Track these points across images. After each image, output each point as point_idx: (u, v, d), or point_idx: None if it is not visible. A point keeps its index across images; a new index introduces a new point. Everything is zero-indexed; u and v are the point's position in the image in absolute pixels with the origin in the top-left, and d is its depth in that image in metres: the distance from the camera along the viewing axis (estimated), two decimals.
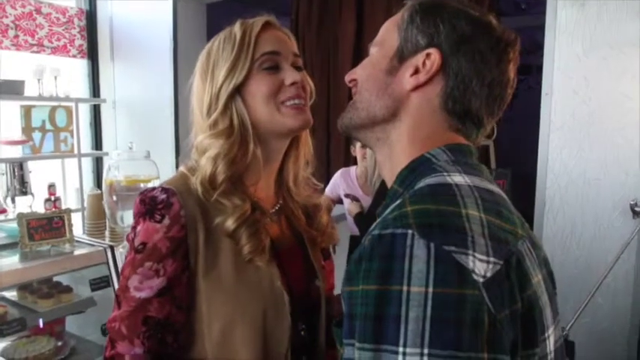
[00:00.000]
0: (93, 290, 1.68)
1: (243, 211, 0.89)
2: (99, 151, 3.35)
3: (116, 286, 1.71)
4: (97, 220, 1.97)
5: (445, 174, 0.67)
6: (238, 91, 0.91)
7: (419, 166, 0.72)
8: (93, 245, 1.74)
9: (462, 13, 0.73)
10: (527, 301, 0.61)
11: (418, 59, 0.73)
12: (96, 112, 3.44)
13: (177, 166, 3.12)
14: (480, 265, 0.57)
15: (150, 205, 0.87)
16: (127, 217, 1.77)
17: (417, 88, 0.73)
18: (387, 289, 0.56)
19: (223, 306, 0.87)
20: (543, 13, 2.30)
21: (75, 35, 3.31)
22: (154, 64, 3.21)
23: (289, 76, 0.91)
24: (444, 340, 0.54)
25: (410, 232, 0.57)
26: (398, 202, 0.65)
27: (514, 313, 0.59)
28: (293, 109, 0.91)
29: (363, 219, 2.49)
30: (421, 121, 0.74)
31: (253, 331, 0.87)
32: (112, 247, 1.71)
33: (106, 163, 3.38)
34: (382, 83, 0.76)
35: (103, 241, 1.84)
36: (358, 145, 2.60)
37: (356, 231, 2.58)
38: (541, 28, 2.24)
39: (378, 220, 0.66)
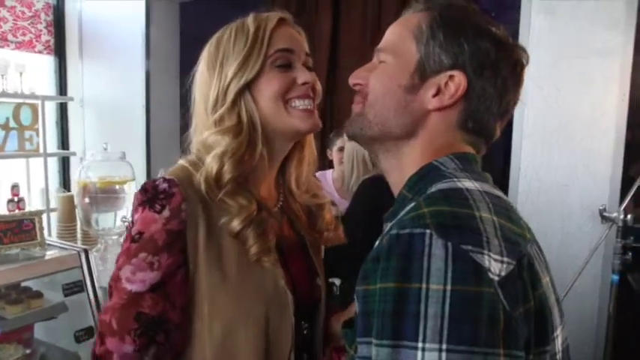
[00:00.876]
0: (66, 295, 1.63)
1: (250, 211, 0.86)
2: (66, 151, 3.25)
3: (90, 291, 1.66)
4: (69, 223, 1.91)
5: (455, 179, 0.69)
6: (248, 87, 0.88)
7: (428, 173, 0.73)
8: (65, 249, 1.68)
9: (485, 32, 0.73)
10: (539, 300, 0.63)
11: (441, 79, 0.72)
12: (62, 110, 3.34)
13: (148, 167, 3.07)
14: (495, 265, 0.59)
15: (151, 193, 0.84)
16: (103, 220, 1.72)
17: (438, 109, 0.73)
18: (406, 287, 0.57)
19: (225, 306, 0.85)
20: (512, 22, 2.35)
21: (41, 30, 3.21)
22: (124, 62, 3.14)
23: (301, 75, 0.89)
24: (462, 336, 0.55)
25: (428, 231, 0.59)
26: (412, 205, 0.66)
27: (527, 311, 0.61)
28: (302, 112, 0.89)
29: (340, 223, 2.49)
30: (437, 137, 0.75)
31: (256, 331, 0.86)
32: (85, 251, 1.65)
33: (74, 163, 3.31)
34: (402, 101, 0.74)
35: (75, 245, 1.78)
36: (335, 148, 2.61)
37: None
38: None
39: (390, 223, 0.67)
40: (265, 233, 0.88)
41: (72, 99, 3.25)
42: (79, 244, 1.87)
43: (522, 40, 2.25)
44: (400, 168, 0.77)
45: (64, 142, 3.34)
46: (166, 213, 0.82)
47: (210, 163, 0.87)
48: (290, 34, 0.91)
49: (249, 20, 0.90)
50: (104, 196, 1.73)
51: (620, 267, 1.98)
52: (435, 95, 0.73)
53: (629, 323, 2.15)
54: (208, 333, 0.85)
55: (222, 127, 0.88)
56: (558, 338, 0.67)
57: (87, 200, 1.73)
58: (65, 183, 3.29)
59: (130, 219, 0.88)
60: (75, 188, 1.79)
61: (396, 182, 0.78)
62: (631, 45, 2.11)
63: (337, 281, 2.21)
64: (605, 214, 1.99)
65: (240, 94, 0.87)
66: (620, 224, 1.95)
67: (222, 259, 0.86)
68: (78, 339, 1.66)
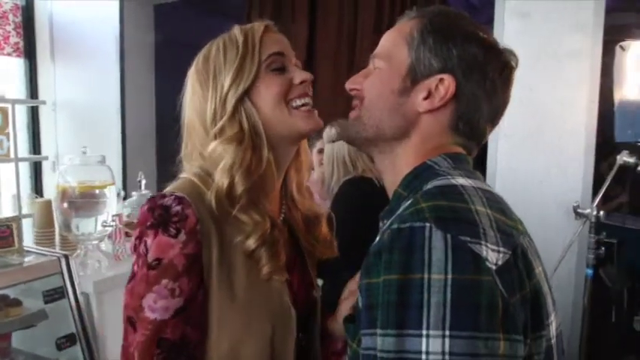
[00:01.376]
0: (46, 302, 1.59)
1: (265, 228, 0.86)
2: (38, 156, 3.17)
3: (72, 297, 1.63)
4: (47, 229, 1.87)
5: (449, 177, 0.72)
6: (246, 94, 0.88)
7: (423, 172, 0.76)
8: (45, 255, 1.64)
9: (473, 37, 0.76)
10: (534, 287, 0.66)
11: (431, 83, 0.75)
12: (34, 114, 3.26)
13: (124, 170, 3.02)
14: (492, 254, 0.62)
15: (162, 216, 0.81)
16: (84, 225, 1.69)
17: (429, 111, 0.76)
18: (409, 278, 0.60)
19: (233, 324, 0.85)
20: (485, 23, 2.41)
21: (10, 32, 3.13)
22: (98, 65, 3.09)
23: (298, 75, 0.90)
24: (464, 322, 0.58)
25: (428, 225, 0.62)
26: (410, 201, 0.69)
27: (524, 297, 0.64)
28: (304, 112, 0.90)
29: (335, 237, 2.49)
30: (429, 139, 0.78)
31: (262, 347, 0.86)
32: (66, 256, 1.62)
33: (46, 167, 3.24)
34: (394, 103, 0.78)
35: (55, 250, 1.75)
36: (315, 150, 2.61)
37: None
38: None
39: (387, 220, 0.71)
40: (278, 254, 0.88)
41: (44, 102, 3.18)
42: (58, 249, 1.83)
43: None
44: (394, 169, 0.80)
45: (35, 146, 3.27)
46: (182, 237, 0.81)
47: (221, 178, 0.86)
48: (278, 39, 0.92)
49: (236, 32, 0.91)
50: (84, 200, 1.70)
51: (594, 261, 2.05)
52: (425, 98, 0.76)
53: (603, 316, 2.22)
54: (216, 349, 0.85)
55: (226, 137, 0.87)
56: (552, 324, 0.70)
57: (66, 205, 1.69)
58: (37, 188, 3.22)
59: (136, 237, 0.84)
60: (53, 193, 1.75)
61: (391, 182, 0.81)
62: (599, 47, 2.18)
63: (319, 281, 2.22)
64: (578, 210, 2.05)
65: (239, 101, 0.87)
66: (593, 220, 2.02)
67: (232, 278, 0.85)
68: (59, 346, 1.62)
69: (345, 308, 1.01)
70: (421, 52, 0.76)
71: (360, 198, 2.08)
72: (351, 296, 1.00)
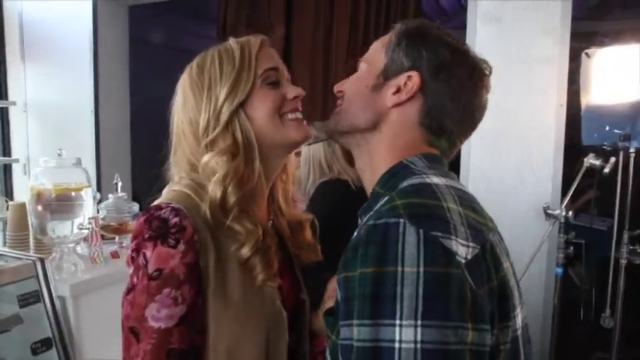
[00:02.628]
0: (21, 307, 1.56)
1: (257, 237, 0.88)
2: (8, 158, 3.11)
3: (47, 301, 1.61)
4: (21, 232, 1.84)
5: (424, 176, 0.76)
6: (241, 106, 0.90)
7: (399, 171, 0.80)
8: (19, 258, 1.62)
9: (443, 42, 0.82)
10: (501, 280, 0.70)
11: (400, 80, 0.82)
12: (3, 115, 3.19)
13: (98, 172, 2.99)
14: (462, 249, 0.66)
15: (161, 227, 0.83)
16: (60, 228, 1.67)
17: (397, 105, 0.82)
18: (383, 271, 0.64)
19: (229, 329, 0.87)
20: (458, 28, 2.46)
21: None
22: (71, 65, 3.05)
23: (291, 90, 0.94)
24: (435, 312, 0.62)
25: (402, 220, 0.65)
26: (385, 198, 0.73)
27: (491, 289, 0.68)
28: (295, 122, 0.93)
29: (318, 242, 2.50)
30: (399, 134, 0.83)
31: (258, 350, 0.89)
32: (41, 260, 1.60)
33: (16, 170, 3.17)
34: (367, 98, 0.84)
35: (29, 254, 1.72)
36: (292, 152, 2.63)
37: None
38: None
39: (365, 216, 0.75)
40: (271, 261, 0.91)
41: (14, 103, 3.12)
42: (32, 253, 1.80)
43: (469, 45, 2.35)
44: (371, 166, 0.85)
45: (5, 148, 3.20)
46: (182, 247, 0.83)
47: (214, 189, 0.87)
48: (272, 54, 0.96)
49: (232, 44, 0.93)
50: (60, 203, 1.67)
51: (563, 260, 2.12)
52: (394, 93, 0.82)
53: (572, 313, 2.29)
54: (213, 353, 0.87)
55: (219, 149, 0.89)
56: (518, 316, 0.75)
57: (40, 208, 1.67)
58: (7, 192, 3.15)
59: (133, 249, 0.85)
60: (26, 196, 1.72)
61: (369, 179, 0.86)
62: (567, 53, 2.26)
63: None
64: (548, 211, 2.12)
65: (234, 114, 0.89)
66: (562, 221, 2.09)
67: (227, 286, 0.87)
68: (34, 351, 1.59)
69: (328, 305, 1.03)
70: (396, 53, 0.83)
71: (336, 199, 2.10)
72: (334, 294, 1.02)
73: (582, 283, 3.27)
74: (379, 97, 0.83)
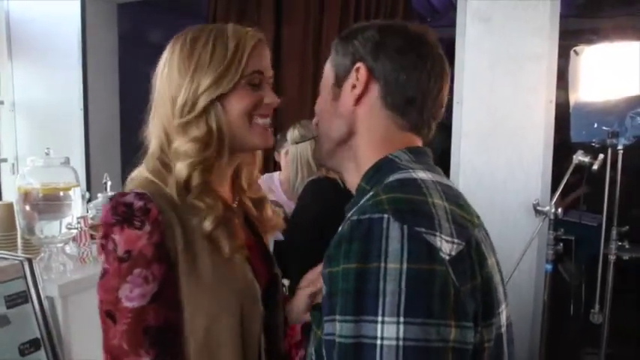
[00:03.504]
0: (9, 307, 1.54)
1: (218, 211, 0.91)
2: None
3: (35, 301, 1.59)
4: (8, 232, 1.82)
5: (410, 171, 0.75)
6: (219, 99, 0.92)
7: (384, 166, 0.80)
8: (6, 259, 1.60)
9: (369, 26, 0.85)
10: (485, 277, 0.70)
11: (352, 77, 0.83)
12: None
13: (88, 171, 2.97)
14: (446, 245, 0.65)
15: (126, 212, 0.86)
16: (48, 228, 1.65)
17: (358, 100, 0.82)
18: (366, 267, 0.63)
19: (206, 304, 0.90)
20: (447, 26, 2.47)
21: None
22: (60, 64, 3.02)
23: (269, 96, 0.96)
24: (417, 309, 0.62)
25: (386, 216, 0.65)
26: (371, 193, 0.73)
27: (475, 286, 0.67)
28: (262, 129, 0.96)
29: (287, 223, 2.51)
30: (373, 126, 0.83)
31: (233, 322, 0.92)
32: (29, 260, 1.58)
33: (4, 170, 3.14)
34: (331, 109, 0.86)
35: (17, 254, 1.70)
36: (282, 151, 2.62)
37: (280, 237, 2.59)
38: (442, 40, 2.40)
39: (353, 210, 0.74)
40: (234, 233, 0.94)
41: (2, 102, 3.09)
42: (20, 253, 1.78)
43: (458, 44, 2.37)
44: (356, 163, 0.85)
45: None
46: (148, 228, 0.85)
47: (181, 170, 0.91)
48: (264, 56, 0.97)
49: (230, 33, 0.93)
50: (48, 203, 1.66)
51: (553, 257, 2.13)
52: (352, 90, 0.83)
53: (562, 309, 2.31)
54: (191, 330, 0.90)
55: (193, 136, 0.91)
56: (503, 313, 0.74)
57: (28, 208, 1.65)
58: None
59: (101, 236, 0.88)
60: (15, 195, 1.71)
61: (353, 177, 0.86)
62: (555, 51, 2.27)
63: (286, 282, 2.23)
64: (538, 208, 2.13)
65: (211, 104, 0.91)
66: (552, 217, 2.10)
67: (198, 261, 0.90)
68: (22, 352, 1.58)
69: (302, 295, 1.09)
70: (337, 60, 0.86)
71: (325, 198, 2.10)
72: (310, 285, 1.07)
73: (572, 279, 3.30)
74: (341, 101, 0.84)
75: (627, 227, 2.23)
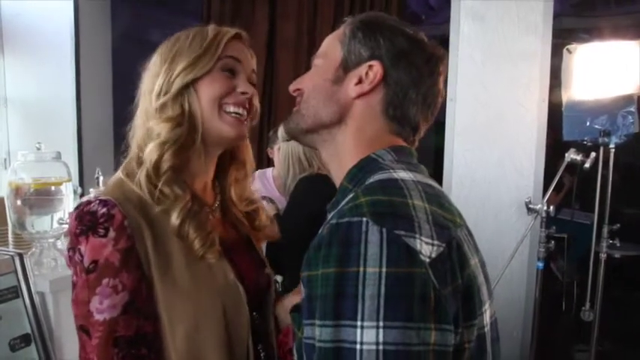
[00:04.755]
0: (0, 303, 1.54)
1: (185, 201, 0.89)
2: None
3: (26, 297, 1.58)
4: (0, 227, 1.81)
5: (392, 171, 0.74)
6: (193, 83, 0.91)
7: (366, 165, 0.79)
8: None
9: (399, 30, 0.82)
10: (467, 279, 0.69)
11: (361, 70, 0.81)
12: None
13: (81, 167, 2.95)
14: (426, 247, 0.64)
15: (90, 221, 0.83)
16: (39, 223, 1.64)
17: (360, 95, 0.81)
18: (345, 271, 0.63)
19: (184, 310, 0.86)
20: (441, 23, 2.47)
21: None
22: (52, 59, 3.00)
23: (242, 85, 0.94)
24: (397, 313, 0.61)
25: (365, 219, 0.64)
26: (351, 195, 0.72)
27: (456, 289, 0.66)
28: (234, 119, 0.93)
29: (280, 220, 2.51)
30: (364, 125, 0.82)
31: (217, 328, 0.88)
32: (20, 255, 1.57)
33: None
34: (329, 91, 0.83)
35: (8, 249, 1.69)
36: (275, 147, 2.62)
37: None
38: (436, 38, 2.41)
39: (332, 212, 0.73)
40: (203, 226, 0.90)
41: None
42: (11, 248, 1.77)
43: (452, 42, 2.37)
44: (338, 158, 0.84)
45: None
46: (112, 234, 0.82)
47: (151, 152, 0.89)
48: (242, 49, 0.97)
49: (210, 27, 0.94)
50: (39, 198, 1.65)
51: (545, 255, 2.14)
52: (357, 84, 0.81)
53: (554, 306, 2.32)
54: (171, 339, 0.86)
55: (165, 116, 0.90)
56: (486, 313, 0.73)
57: (19, 202, 1.64)
58: None
59: (69, 248, 0.85)
60: (5, 190, 1.70)
61: (336, 172, 0.85)
62: (548, 49, 2.28)
63: (279, 278, 2.24)
64: (530, 206, 2.14)
65: (185, 87, 0.91)
66: (544, 215, 2.11)
67: (172, 264, 0.87)
68: (13, 347, 1.57)
69: (294, 298, 1.05)
70: (352, 45, 0.82)
71: (317, 194, 2.10)
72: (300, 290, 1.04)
73: (564, 276, 3.31)
74: (341, 89, 0.82)
75: (619, 225, 2.25)
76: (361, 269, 0.61)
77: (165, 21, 3.75)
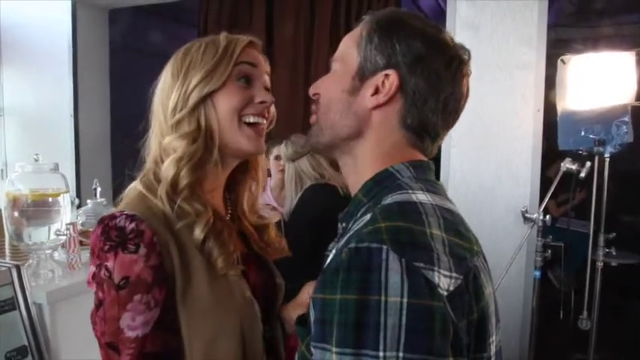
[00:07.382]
0: None
1: (208, 217, 0.88)
2: None
3: (23, 308, 1.58)
4: None
5: (410, 191, 0.72)
6: (210, 95, 0.90)
7: (384, 180, 0.77)
8: None
9: (418, 32, 0.77)
10: (481, 311, 0.68)
11: (378, 79, 0.77)
12: None
13: (78, 178, 2.95)
14: (444, 280, 0.63)
15: (117, 237, 0.81)
16: (36, 234, 1.64)
17: (377, 107, 0.78)
18: (366, 299, 0.61)
19: (204, 325, 0.86)
20: None
21: None
22: (49, 70, 3.02)
23: (260, 94, 0.93)
24: (418, 344, 0.60)
25: (385, 247, 0.63)
26: (369, 216, 0.70)
27: (470, 322, 0.66)
28: (252, 130, 0.93)
29: (282, 228, 2.51)
30: (383, 137, 0.79)
31: (233, 344, 0.88)
32: (17, 267, 1.57)
33: None
34: (345, 103, 0.80)
35: (4, 261, 1.69)
36: (271, 157, 2.62)
37: None
38: None
39: (350, 233, 0.71)
40: (227, 244, 0.90)
41: None
42: (8, 259, 1.76)
43: None
44: (356, 170, 0.81)
45: None
46: (143, 251, 0.81)
47: (168, 168, 0.88)
48: (256, 55, 0.96)
49: (221, 36, 0.93)
50: (37, 209, 1.65)
51: (541, 263, 2.15)
52: (373, 94, 0.78)
53: (551, 315, 2.32)
54: (189, 354, 0.85)
55: (181, 132, 0.89)
56: (493, 343, 0.73)
57: (17, 214, 1.64)
58: None
59: (94, 266, 0.84)
60: (3, 201, 1.69)
61: (353, 184, 0.82)
62: (543, 60, 2.30)
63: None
64: (526, 215, 2.15)
65: (201, 101, 0.89)
66: (540, 224, 2.11)
67: (194, 280, 0.86)
68: None
69: (297, 303, 1.06)
70: (368, 50, 0.78)
71: (324, 202, 2.11)
72: (303, 302, 1.04)
73: (561, 285, 3.31)
74: (358, 100, 0.79)
75: (615, 234, 2.25)
76: (383, 298, 0.61)
77: (163, 31, 3.78)
